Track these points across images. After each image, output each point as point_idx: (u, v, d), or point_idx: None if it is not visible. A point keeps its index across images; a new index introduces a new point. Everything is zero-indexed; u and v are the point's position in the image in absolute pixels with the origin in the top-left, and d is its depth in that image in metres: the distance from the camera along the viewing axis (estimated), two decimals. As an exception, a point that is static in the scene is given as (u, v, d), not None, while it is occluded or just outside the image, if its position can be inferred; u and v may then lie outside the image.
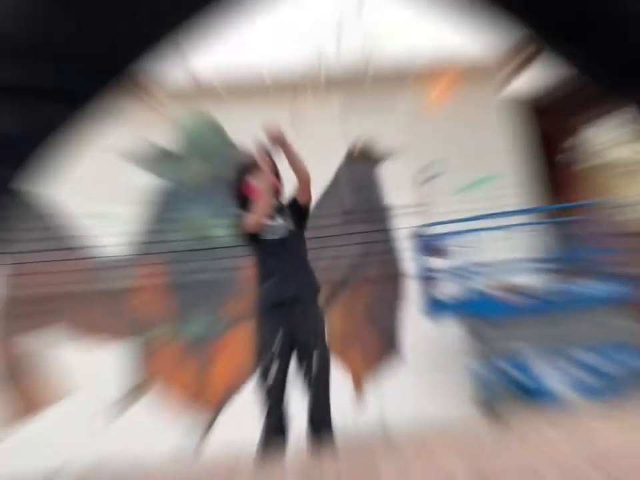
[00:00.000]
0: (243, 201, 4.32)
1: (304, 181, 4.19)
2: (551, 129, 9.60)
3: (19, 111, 0.80)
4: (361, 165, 8.01)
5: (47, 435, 6.90)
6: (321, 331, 4.22)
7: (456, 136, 8.04)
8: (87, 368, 7.04)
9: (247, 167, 4.32)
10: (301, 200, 4.28)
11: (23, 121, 0.80)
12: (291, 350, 4.18)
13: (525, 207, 7.43)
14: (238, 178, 4.33)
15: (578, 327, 6.17)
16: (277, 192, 4.34)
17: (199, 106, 7.86)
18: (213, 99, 7.89)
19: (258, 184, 4.23)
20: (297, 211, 4.32)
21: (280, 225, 4.26)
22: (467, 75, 7.95)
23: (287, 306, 4.12)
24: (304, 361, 4.15)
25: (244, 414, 6.66)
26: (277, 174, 4.36)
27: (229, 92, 7.84)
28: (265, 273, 4.22)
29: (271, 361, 4.09)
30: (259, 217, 4.13)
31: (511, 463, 1.92)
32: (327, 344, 4.24)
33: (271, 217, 4.23)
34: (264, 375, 4.12)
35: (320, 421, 4.15)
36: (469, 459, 2.35)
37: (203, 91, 8.03)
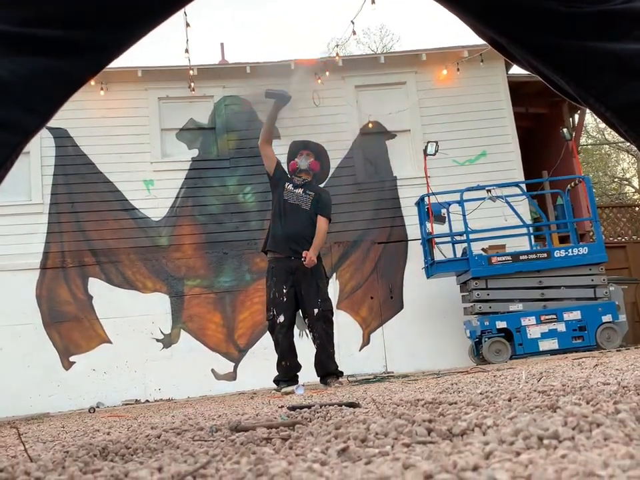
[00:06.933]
0: (291, 175, 5.42)
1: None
2: (550, 108, 10.33)
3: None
4: (373, 140, 8.92)
5: (93, 372, 8.04)
6: (322, 284, 5.17)
7: (458, 114, 8.88)
8: (132, 314, 8.14)
9: (294, 151, 5.50)
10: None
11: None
12: (297, 299, 5.12)
13: (516, 180, 8.29)
14: (289, 160, 5.48)
15: (560, 285, 7.10)
16: (309, 170, 5.36)
17: (228, 84, 8.79)
18: (241, 78, 8.81)
19: (297, 162, 5.39)
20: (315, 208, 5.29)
21: (300, 196, 5.24)
22: (472, 57, 8.70)
23: (293, 261, 5.07)
24: (308, 308, 5.07)
25: (263, 354, 7.75)
26: (315, 156, 5.44)
27: (255, 72, 8.74)
28: (275, 228, 5.22)
29: (279, 309, 5.05)
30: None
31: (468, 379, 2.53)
32: (327, 295, 5.22)
33: (297, 186, 5.26)
34: (274, 321, 5.06)
35: (324, 361, 5.10)
36: (442, 383, 2.91)
37: (232, 70, 8.95)
